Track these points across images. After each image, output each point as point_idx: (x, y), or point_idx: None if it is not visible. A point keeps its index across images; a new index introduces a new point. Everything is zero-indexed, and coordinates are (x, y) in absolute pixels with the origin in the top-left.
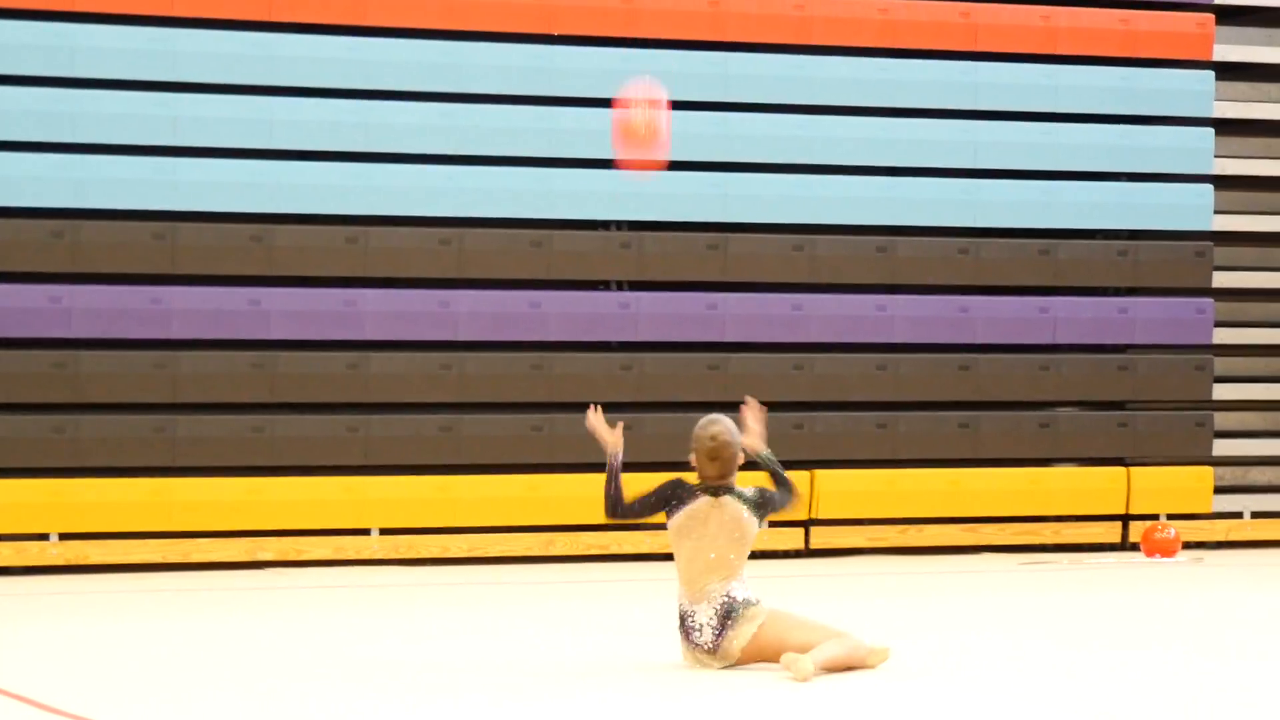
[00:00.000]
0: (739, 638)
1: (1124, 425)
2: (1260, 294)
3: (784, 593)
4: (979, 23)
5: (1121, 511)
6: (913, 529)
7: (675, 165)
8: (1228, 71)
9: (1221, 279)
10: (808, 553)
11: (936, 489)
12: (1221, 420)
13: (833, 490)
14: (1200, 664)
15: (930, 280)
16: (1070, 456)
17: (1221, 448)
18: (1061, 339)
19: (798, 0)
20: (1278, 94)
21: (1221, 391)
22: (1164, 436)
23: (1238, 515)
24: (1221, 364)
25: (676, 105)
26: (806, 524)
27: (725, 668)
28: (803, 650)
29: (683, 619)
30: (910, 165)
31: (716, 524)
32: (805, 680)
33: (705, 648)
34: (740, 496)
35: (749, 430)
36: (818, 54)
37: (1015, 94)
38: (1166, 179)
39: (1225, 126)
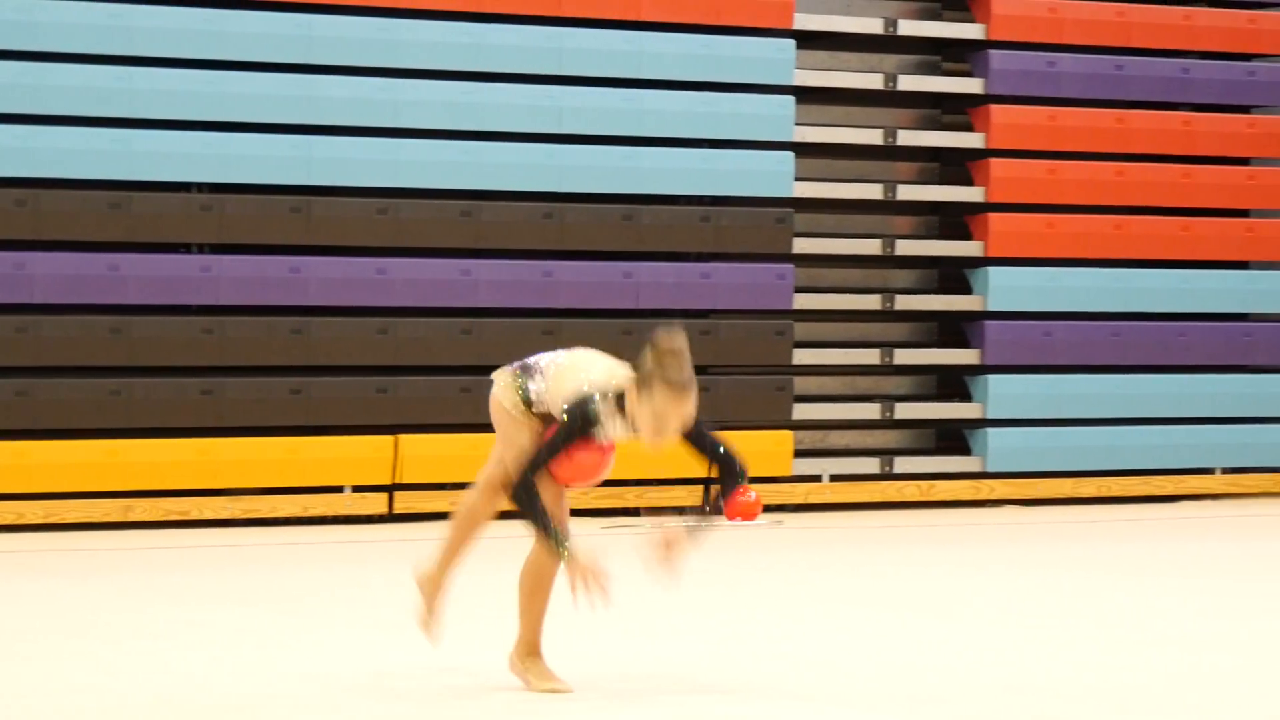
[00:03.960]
0: None
1: (707, 390)
2: (838, 260)
3: (367, 557)
4: None
5: (705, 475)
6: None
7: (257, 128)
8: (808, 40)
9: (802, 245)
10: (391, 517)
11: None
12: (801, 385)
13: (417, 454)
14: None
15: (516, 245)
16: None
17: (801, 411)
18: (645, 303)
19: None
20: (856, 63)
21: (801, 356)
22: (746, 400)
23: (816, 478)
24: (801, 329)
25: (258, 67)
26: (390, 488)
27: None
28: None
29: None
30: (495, 130)
31: None
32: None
33: None
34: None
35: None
36: (402, 17)
37: (601, 60)
38: (748, 145)
39: (805, 94)
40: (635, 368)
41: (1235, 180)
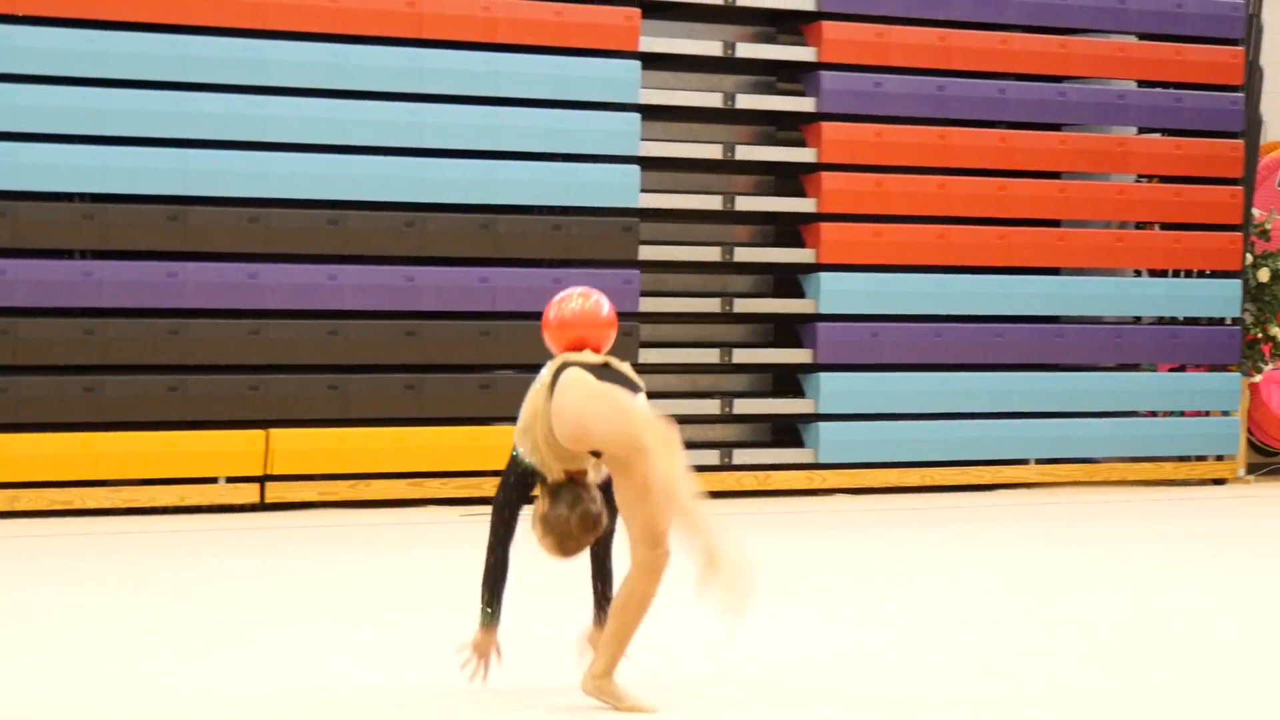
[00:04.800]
0: None
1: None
2: (680, 266)
3: (240, 544)
4: (424, 12)
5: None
6: (362, 483)
7: (135, 141)
8: (652, 61)
9: (647, 252)
10: (263, 506)
11: (384, 446)
12: (646, 382)
13: (287, 448)
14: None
15: (380, 251)
16: (509, 415)
17: None
18: (501, 307)
19: None
20: (697, 83)
21: (646, 355)
22: None
23: None
24: (646, 330)
25: (134, 84)
26: (262, 479)
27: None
28: None
29: None
30: (360, 144)
31: None
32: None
33: None
34: None
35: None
36: (271, 38)
37: (458, 79)
38: (597, 160)
39: (650, 112)
40: (555, 494)
41: (1048, 193)
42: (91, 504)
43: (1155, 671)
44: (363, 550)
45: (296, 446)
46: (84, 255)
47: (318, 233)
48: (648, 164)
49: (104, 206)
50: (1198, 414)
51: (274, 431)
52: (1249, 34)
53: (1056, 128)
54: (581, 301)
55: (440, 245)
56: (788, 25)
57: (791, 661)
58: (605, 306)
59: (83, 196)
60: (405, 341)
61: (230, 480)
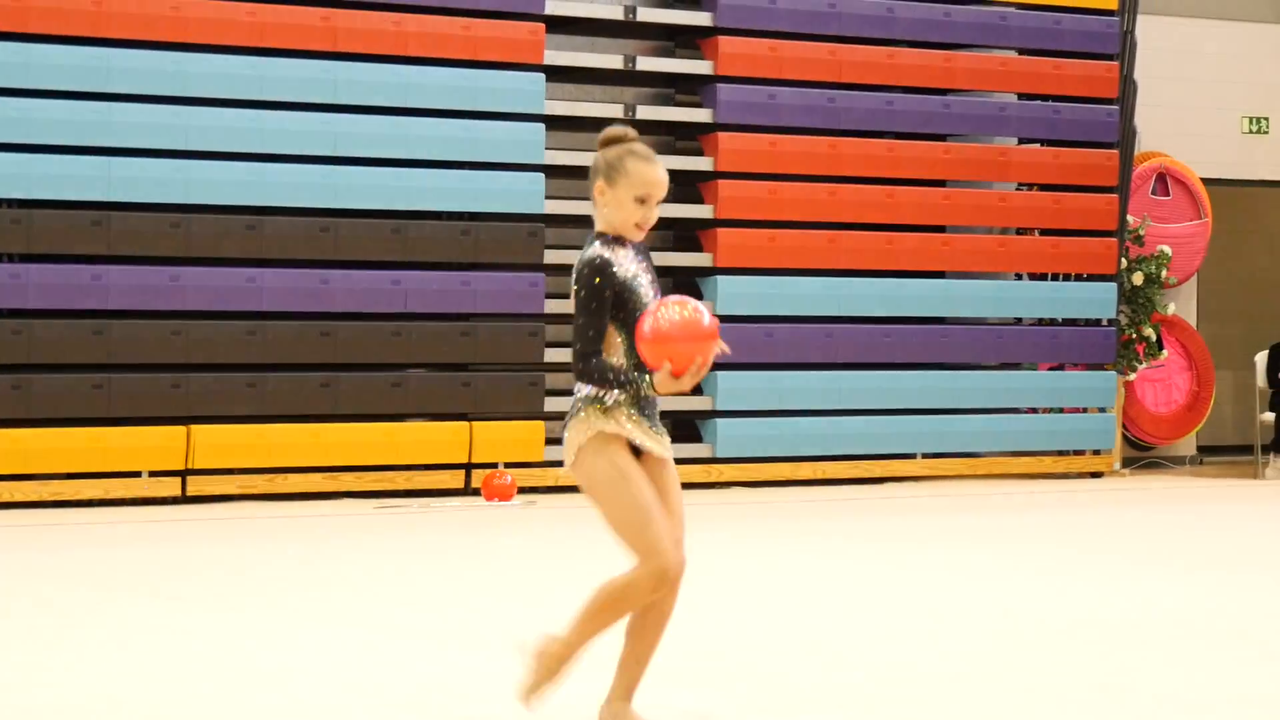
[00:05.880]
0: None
1: (467, 385)
2: None
3: (163, 538)
4: (338, 26)
5: (465, 461)
6: (279, 477)
7: (61, 150)
8: (556, 74)
9: (552, 256)
10: (185, 499)
11: (301, 441)
12: (552, 380)
13: (208, 443)
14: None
15: (296, 255)
16: (419, 412)
17: (552, 404)
18: (412, 308)
19: (174, 2)
20: (599, 94)
21: (552, 355)
22: (502, 394)
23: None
24: (552, 331)
25: (59, 95)
26: (183, 473)
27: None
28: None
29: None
30: (277, 152)
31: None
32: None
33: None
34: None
35: None
36: (191, 51)
37: (371, 90)
38: (504, 168)
39: (554, 122)
40: (593, 175)
41: (933, 200)
42: (19, 497)
43: (1048, 657)
44: (281, 541)
45: (217, 442)
46: (11, 259)
47: (237, 237)
48: (552, 172)
49: (30, 212)
50: (1076, 411)
51: (195, 427)
52: (1123, 50)
53: (941, 138)
54: (679, 310)
55: (354, 249)
56: (686, 40)
57: (690, 651)
58: (706, 316)
59: (10, 202)
60: (321, 342)
61: (153, 474)
